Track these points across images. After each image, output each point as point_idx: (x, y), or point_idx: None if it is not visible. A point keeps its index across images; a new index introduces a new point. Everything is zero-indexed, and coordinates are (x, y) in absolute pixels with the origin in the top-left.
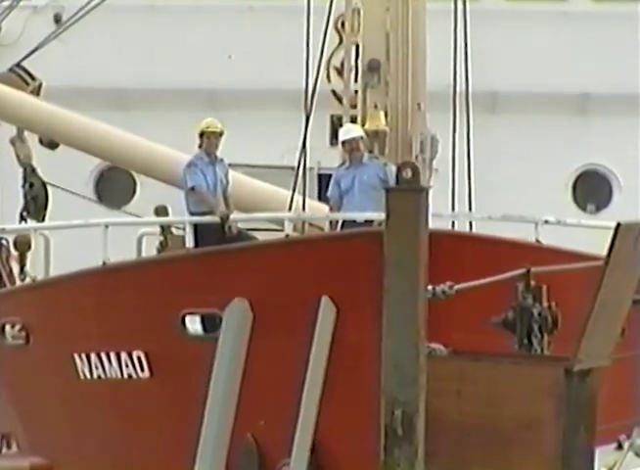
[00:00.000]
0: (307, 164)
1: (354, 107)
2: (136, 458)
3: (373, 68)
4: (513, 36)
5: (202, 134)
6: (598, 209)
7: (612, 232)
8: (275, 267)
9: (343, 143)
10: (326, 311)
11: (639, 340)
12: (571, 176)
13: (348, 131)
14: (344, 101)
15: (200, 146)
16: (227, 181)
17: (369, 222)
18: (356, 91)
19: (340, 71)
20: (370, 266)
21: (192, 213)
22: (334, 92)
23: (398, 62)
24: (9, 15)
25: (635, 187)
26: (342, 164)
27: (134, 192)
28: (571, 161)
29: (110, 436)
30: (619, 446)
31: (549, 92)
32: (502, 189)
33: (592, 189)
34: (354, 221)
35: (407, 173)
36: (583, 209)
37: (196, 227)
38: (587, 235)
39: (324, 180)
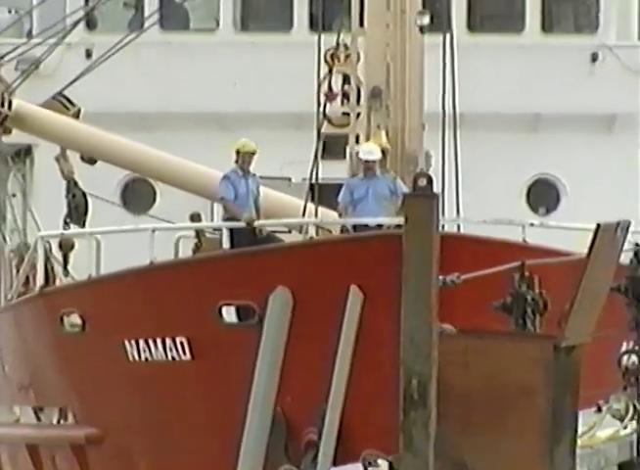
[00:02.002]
0: (303, 176)
1: (342, 126)
2: (177, 430)
3: (376, 94)
4: (476, 65)
5: (237, 152)
6: (548, 211)
7: (592, 232)
8: (312, 262)
9: (361, 159)
10: (354, 298)
11: (615, 320)
12: (526, 184)
13: (370, 152)
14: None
15: (236, 161)
16: (258, 192)
17: (380, 226)
18: (344, 113)
19: (331, 97)
20: (391, 261)
21: (225, 219)
22: (325, 115)
23: (397, 89)
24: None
25: (579, 193)
26: (354, 175)
27: (154, 200)
28: (525, 171)
29: (154, 410)
30: (599, 410)
31: (506, 113)
32: (469, 195)
33: (543, 195)
34: (366, 225)
35: (422, 182)
36: (535, 211)
37: (232, 231)
38: (539, 234)
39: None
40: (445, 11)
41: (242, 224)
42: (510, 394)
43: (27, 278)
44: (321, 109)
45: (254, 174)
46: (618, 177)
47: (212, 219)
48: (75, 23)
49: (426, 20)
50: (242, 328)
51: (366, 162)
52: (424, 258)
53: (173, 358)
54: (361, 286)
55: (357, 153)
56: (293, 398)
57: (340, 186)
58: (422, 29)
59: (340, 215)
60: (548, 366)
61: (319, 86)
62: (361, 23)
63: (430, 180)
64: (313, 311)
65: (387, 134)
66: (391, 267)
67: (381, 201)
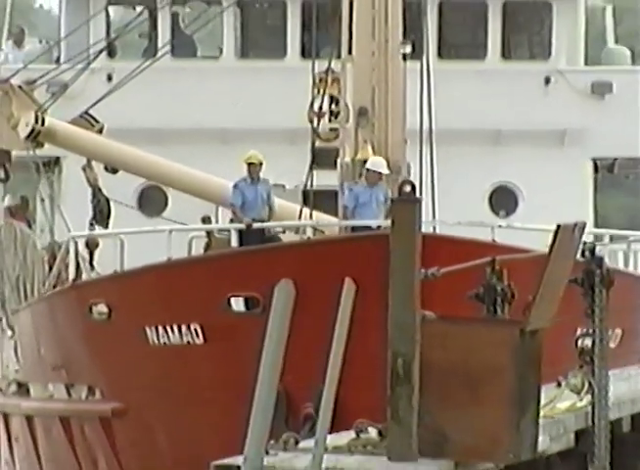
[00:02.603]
0: (295, 183)
1: (328, 140)
2: (191, 404)
3: (362, 113)
4: (446, 88)
5: (247, 163)
6: (507, 214)
7: (553, 232)
8: (313, 258)
9: (368, 169)
10: (348, 289)
11: (572, 308)
12: (488, 190)
13: (379, 165)
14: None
15: (247, 171)
16: (268, 196)
17: (378, 227)
18: (331, 129)
19: (319, 114)
20: (380, 257)
21: (231, 222)
22: (314, 130)
23: (381, 108)
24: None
25: (535, 198)
26: (355, 182)
27: (166, 204)
28: (488, 179)
29: (171, 386)
30: (559, 385)
31: (472, 129)
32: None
33: (503, 200)
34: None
35: (407, 189)
36: (496, 214)
37: (242, 232)
38: (500, 234)
39: (307, 194)
40: (422, 41)
41: (241, 226)
42: (482, 371)
43: (59, 272)
44: (314, 125)
45: (265, 180)
46: (569, 185)
47: (217, 221)
48: (99, 52)
49: (408, 49)
50: (248, 316)
51: (374, 173)
52: (408, 254)
53: (188, 342)
54: (354, 279)
55: (366, 164)
56: (293, 376)
57: (329, 192)
58: (404, 57)
59: (343, 217)
60: (515, 347)
61: (311, 106)
62: (349, 51)
63: (413, 187)
64: (313, 301)
65: (372, 148)
66: (380, 263)
67: (381, 206)
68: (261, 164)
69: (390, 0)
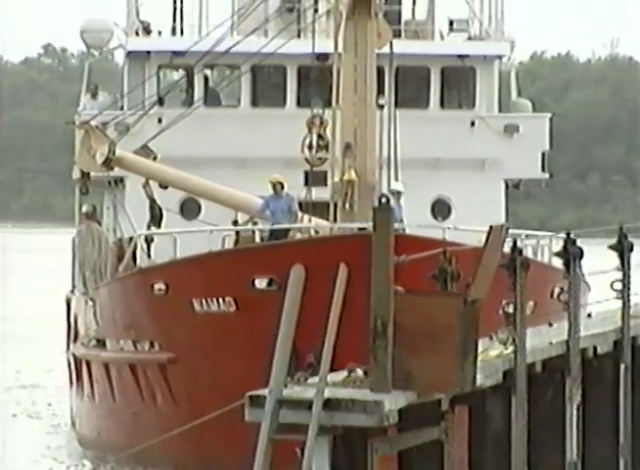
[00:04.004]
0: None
1: (317, 166)
2: (226, 356)
3: (348, 146)
4: (401, 128)
5: (271, 183)
6: (444, 219)
7: (486, 231)
8: (318, 249)
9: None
10: (343, 271)
11: (501, 285)
12: (430, 201)
13: (399, 186)
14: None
15: (272, 189)
16: (289, 207)
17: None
18: (319, 158)
19: (310, 147)
20: (366, 248)
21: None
22: (306, 159)
23: (362, 143)
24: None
25: (463, 207)
26: None
27: (199, 211)
28: (430, 193)
29: (211, 342)
30: (491, 338)
31: (420, 157)
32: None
33: (441, 209)
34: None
35: (384, 200)
36: (436, 219)
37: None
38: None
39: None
40: (385, 95)
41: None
42: (437, 329)
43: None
44: (309, 155)
45: (287, 194)
46: (488, 198)
47: (237, 223)
48: (153, 105)
49: (382, 101)
50: (269, 292)
51: (399, 193)
52: (385, 247)
53: (224, 311)
54: (347, 264)
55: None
56: (301, 336)
57: (317, 203)
58: (380, 106)
59: None
60: (460, 312)
61: (304, 141)
62: (337, 102)
63: (387, 200)
64: (317, 280)
65: (355, 171)
66: (366, 253)
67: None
68: (281, 183)
69: (367, 66)
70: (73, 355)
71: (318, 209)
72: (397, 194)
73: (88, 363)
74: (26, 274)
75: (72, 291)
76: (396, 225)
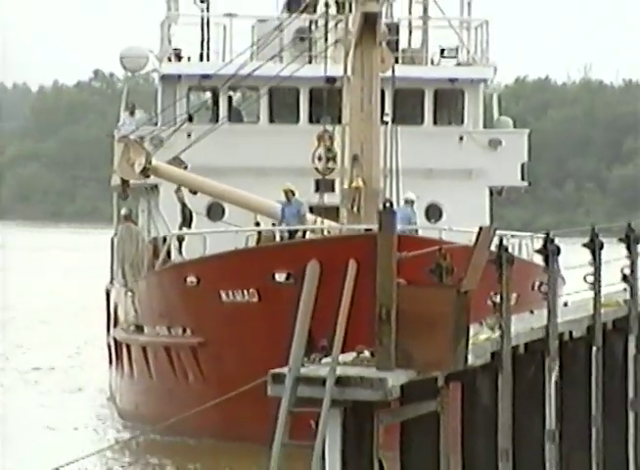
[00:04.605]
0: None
1: (326, 174)
2: (249, 341)
3: (356, 158)
4: (400, 142)
5: (284, 191)
6: (436, 222)
7: (477, 232)
8: (331, 247)
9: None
10: (352, 266)
11: (489, 278)
12: (424, 206)
13: (412, 195)
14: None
15: (285, 196)
16: (299, 211)
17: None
18: (327, 168)
19: (319, 158)
20: (372, 246)
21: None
22: (317, 168)
23: (368, 155)
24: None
25: (453, 212)
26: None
27: (223, 213)
28: (425, 199)
29: (236, 329)
30: (480, 324)
31: (416, 168)
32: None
33: (434, 212)
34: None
35: (387, 205)
36: (429, 221)
37: (290, 233)
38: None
39: (312, 209)
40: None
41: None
42: (434, 317)
43: (156, 256)
44: (319, 166)
45: (298, 201)
46: (474, 204)
47: (259, 224)
48: (183, 121)
49: (387, 118)
50: (287, 285)
51: (412, 202)
52: (389, 245)
53: (247, 301)
54: (356, 260)
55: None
56: (315, 322)
57: (327, 208)
58: (385, 122)
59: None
60: (454, 302)
61: (314, 153)
62: (347, 119)
63: (391, 204)
64: (330, 274)
65: (362, 180)
66: (372, 250)
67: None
68: (292, 191)
69: (373, 87)
70: (114, 339)
71: (329, 212)
72: (411, 202)
73: (128, 346)
74: (70, 269)
75: (111, 282)
76: (410, 227)
